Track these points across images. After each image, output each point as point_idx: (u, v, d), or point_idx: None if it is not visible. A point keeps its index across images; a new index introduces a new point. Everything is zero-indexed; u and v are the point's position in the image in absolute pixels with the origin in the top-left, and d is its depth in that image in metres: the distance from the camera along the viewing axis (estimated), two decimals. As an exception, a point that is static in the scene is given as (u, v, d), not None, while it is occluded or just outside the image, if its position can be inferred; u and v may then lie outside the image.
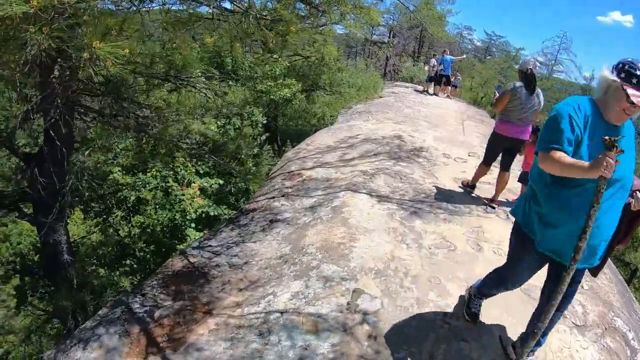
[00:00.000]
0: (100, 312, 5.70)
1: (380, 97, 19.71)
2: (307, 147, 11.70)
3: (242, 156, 9.70)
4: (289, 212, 7.74)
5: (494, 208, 7.72)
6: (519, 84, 7.23)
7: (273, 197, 8.65)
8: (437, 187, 8.52)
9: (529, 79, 7.15)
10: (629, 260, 22.29)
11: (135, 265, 12.73)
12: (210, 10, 5.24)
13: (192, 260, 6.51)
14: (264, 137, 24.03)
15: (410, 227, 6.82)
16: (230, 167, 9.56)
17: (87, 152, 9.57)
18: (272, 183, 9.64)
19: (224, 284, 5.78)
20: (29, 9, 2.97)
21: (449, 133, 12.92)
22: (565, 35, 43.17)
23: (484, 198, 8.16)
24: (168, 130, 11.08)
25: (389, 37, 47.08)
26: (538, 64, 7.65)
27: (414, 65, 36.87)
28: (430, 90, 21.99)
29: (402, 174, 9.08)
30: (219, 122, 14.92)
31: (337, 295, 5.21)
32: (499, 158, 7.90)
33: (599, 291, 5.85)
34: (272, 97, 16.47)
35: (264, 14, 5.19)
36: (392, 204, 7.64)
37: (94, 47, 3.27)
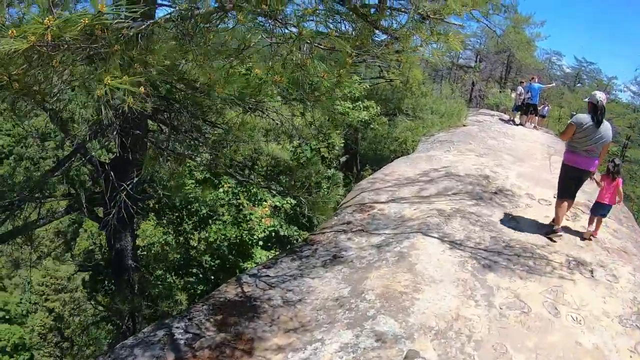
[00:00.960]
0: (144, 329, 5.69)
1: (464, 125, 19.08)
2: (383, 177, 11.40)
3: (311, 183, 9.50)
4: (353, 249, 7.52)
5: (559, 235, 7.82)
6: (587, 116, 7.26)
7: (340, 230, 8.42)
8: (517, 235, 7.99)
9: (596, 111, 7.18)
10: None
11: (197, 279, 12.87)
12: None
13: (246, 289, 6.43)
14: (343, 159, 23.90)
15: (482, 281, 6.40)
16: (298, 194, 9.41)
17: (162, 163, 9.77)
18: (342, 214, 9.43)
19: (273, 321, 5.65)
20: (27, 45, 2.88)
21: (534, 169, 12.23)
22: (660, 61, 40.74)
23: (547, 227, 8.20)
24: (240, 150, 11.15)
25: (476, 62, 46.46)
26: (605, 97, 7.44)
27: (500, 91, 35.76)
28: (517, 120, 20.99)
29: (481, 216, 8.62)
30: (294, 143, 14.87)
31: (388, 355, 4.90)
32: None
33: None
34: (350, 119, 16.16)
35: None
36: (465, 251, 7.22)
37: (107, 84, 3.13)
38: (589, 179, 7.90)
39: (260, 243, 12.13)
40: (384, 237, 7.84)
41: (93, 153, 8.71)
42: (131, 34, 3.80)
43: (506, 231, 8.10)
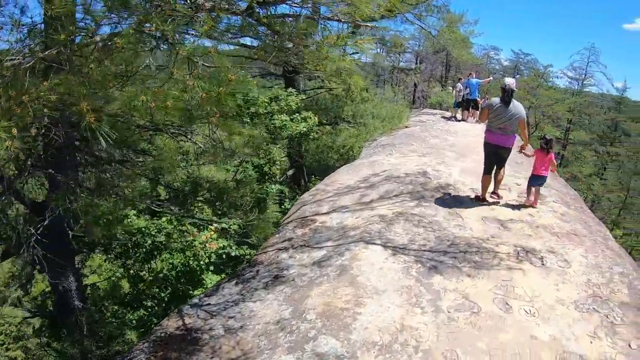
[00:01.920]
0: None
1: (406, 126, 18.85)
2: (325, 187, 10.99)
3: (247, 203, 9.12)
4: (295, 267, 7.12)
5: (498, 197, 9.03)
6: (497, 99, 8.42)
7: (282, 248, 8.00)
8: (462, 232, 7.69)
9: (504, 93, 8.23)
10: None
11: (150, 312, 12.31)
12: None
13: (187, 321, 6.06)
14: (290, 173, 23.52)
15: (428, 285, 6.03)
16: (234, 216, 9.05)
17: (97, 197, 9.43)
18: (284, 231, 8.99)
19: (214, 352, 5.30)
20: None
21: (477, 163, 11.89)
22: (593, 47, 41.86)
23: (488, 196, 9.02)
24: (174, 177, 10.75)
25: (416, 63, 46.91)
26: (513, 81, 8.56)
27: (442, 90, 36.07)
28: (459, 116, 21.01)
29: (424, 217, 8.27)
30: (234, 163, 14.53)
31: (330, 379, 4.51)
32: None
33: None
34: (288, 132, 15.80)
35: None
36: (409, 256, 6.85)
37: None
38: (523, 154, 9.05)
39: (212, 268, 11.75)
40: (325, 250, 7.43)
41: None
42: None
43: (451, 229, 7.78)
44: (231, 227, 12.19)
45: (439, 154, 13.00)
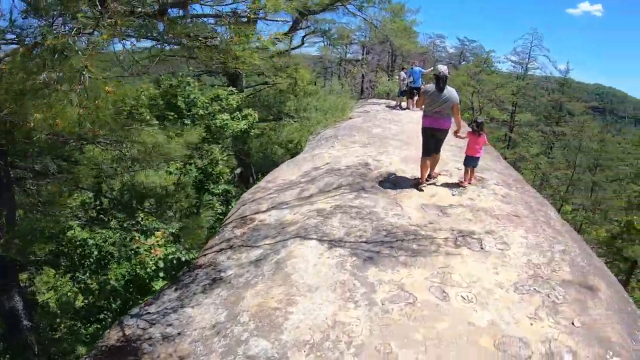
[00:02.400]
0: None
1: (350, 118, 18.65)
2: (266, 184, 10.69)
3: (180, 208, 8.85)
4: (233, 268, 6.93)
5: (434, 178, 9.37)
6: (431, 85, 8.81)
7: (221, 250, 7.73)
8: (400, 220, 7.51)
9: (438, 80, 8.66)
10: (626, 255, 21.53)
11: (104, 325, 11.81)
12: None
13: (127, 332, 5.91)
14: (237, 172, 23.15)
15: (363, 278, 5.83)
16: (168, 221, 8.78)
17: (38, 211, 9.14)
18: (223, 232, 8.71)
19: None
20: None
21: (419, 150, 11.82)
22: (536, 32, 42.89)
23: (426, 180, 9.22)
24: (111, 185, 10.42)
25: (363, 54, 47.20)
26: (446, 68, 9.06)
27: (389, 79, 36.12)
28: (403, 105, 20.96)
29: (363, 208, 8.07)
30: (176, 165, 14.19)
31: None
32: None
33: (593, 326, 4.93)
34: (229, 131, 15.47)
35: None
36: (345, 249, 6.64)
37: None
38: (457, 137, 9.31)
39: (162, 274, 11.32)
40: (262, 249, 7.20)
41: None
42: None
43: (389, 219, 7.59)
44: (177, 231, 11.98)
45: (381, 144, 12.85)
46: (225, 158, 16.12)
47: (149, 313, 6.24)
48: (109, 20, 4.18)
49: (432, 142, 9.10)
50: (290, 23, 22.22)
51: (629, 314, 5.82)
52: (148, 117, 12.34)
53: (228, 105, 16.14)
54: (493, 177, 9.72)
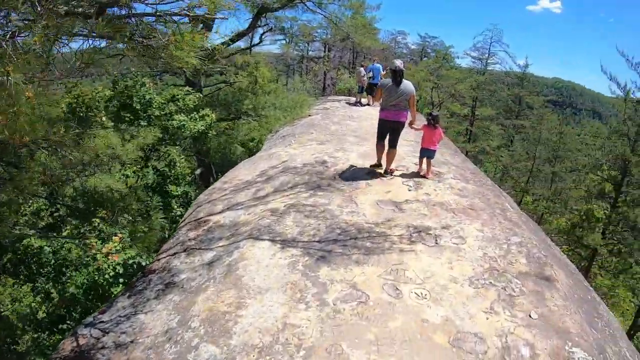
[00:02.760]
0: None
1: (309, 115, 18.43)
2: (222, 185, 10.46)
3: (132, 212, 8.58)
4: (186, 272, 6.71)
5: (390, 173, 9.39)
6: (388, 80, 9.12)
7: (175, 253, 7.50)
8: (355, 218, 7.38)
9: (395, 74, 8.94)
10: (587, 243, 21.81)
11: (63, 336, 11.45)
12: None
13: (81, 342, 5.71)
14: (198, 172, 22.78)
15: (314, 279, 5.69)
16: (120, 225, 8.48)
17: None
18: (178, 235, 8.48)
19: None
20: None
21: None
22: (496, 28, 43.13)
23: (381, 172, 9.48)
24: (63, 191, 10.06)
25: (325, 52, 47.09)
26: (402, 63, 9.34)
27: (350, 76, 36.10)
28: (363, 101, 20.94)
29: (317, 206, 7.93)
30: (133, 168, 13.87)
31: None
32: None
33: (551, 317, 4.87)
34: (187, 132, 15.18)
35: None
36: (297, 248, 6.49)
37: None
38: (412, 128, 9.59)
39: (121, 280, 11.02)
40: (215, 251, 7.00)
41: None
42: None
43: (344, 216, 7.45)
44: (139, 234, 11.71)
45: (339, 141, 12.73)
46: (183, 160, 15.85)
47: (103, 322, 6.03)
48: (44, 22, 3.97)
49: (389, 134, 9.34)
50: (250, 20, 22.02)
51: (589, 302, 5.83)
52: (103, 120, 12.08)
53: (185, 105, 15.83)
54: (450, 171, 9.69)
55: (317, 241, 6.63)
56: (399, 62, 9.10)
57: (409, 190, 8.46)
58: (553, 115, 43.23)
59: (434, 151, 9.29)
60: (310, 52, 53.16)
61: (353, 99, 22.85)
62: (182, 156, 15.61)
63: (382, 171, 9.53)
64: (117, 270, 10.87)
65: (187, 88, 17.32)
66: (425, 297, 5.18)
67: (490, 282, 5.46)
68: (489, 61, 44.30)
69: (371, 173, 9.48)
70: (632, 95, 21.77)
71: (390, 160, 9.43)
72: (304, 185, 9.02)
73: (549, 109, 45.47)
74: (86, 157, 9.39)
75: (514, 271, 5.71)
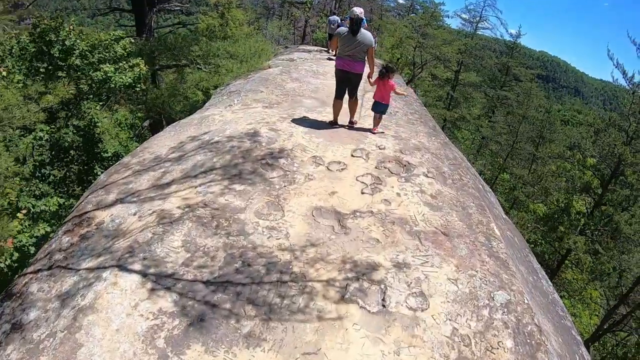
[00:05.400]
0: None
1: (269, 67, 15.61)
2: (130, 159, 7.77)
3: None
4: (37, 309, 4.44)
5: (353, 124, 9.11)
6: (345, 28, 8.60)
7: (38, 271, 5.12)
8: (271, 240, 5.04)
9: (352, 23, 8.38)
10: (568, 246, 20.48)
11: None
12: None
13: None
14: (146, 124, 20.28)
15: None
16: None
17: None
18: (54, 238, 5.94)
19: None
20: None
21: (339, 115, 9.28)
22: (490, -10, 40.24)
23: (345, 125, 9.00)
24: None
25: (307, -4, 45.27)
26: (361, 11, 8.48)
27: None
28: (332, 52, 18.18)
29: (226, 212, 5.55)
30: (46, 129, 11.70)
31: None
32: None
33: None
34: (111, 85, 12.75)
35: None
36: (172, 294, 4.19)
37: None
38: (368, 81, 9.11)
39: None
40: (78, 276, 4.69)
41: None
42: None
43: (257, 235, 5.10)
44: (50, 206, 10.65)
45: (292, 103, 10.29)
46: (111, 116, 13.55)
47: None
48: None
49: (346, 85, 8.94)
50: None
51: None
52: (3, 74, 10.17)
53: (113, 53, 13.32)
54: (424, 161, 7.37)
55: (205, 282, 4.28)
56: (358, 10, 8.48)
57: (363, 192, 6.13)
58: (541, 91, 41.49)
59: (386, 105, 8.97)
60: (293, -5, 51.74)
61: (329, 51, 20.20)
62: (110, 112, 13.22)
63: (338, 126, 9.01)
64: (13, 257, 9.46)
65: (118, 32, 14.61)
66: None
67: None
68: (479, 25, 41.56)
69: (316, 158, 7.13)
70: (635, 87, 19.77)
71: (353, 111, 9.17)
72: (221, 171, 6.58)
73: (536, 83, 43.48)
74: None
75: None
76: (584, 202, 24.00)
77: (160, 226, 5.27)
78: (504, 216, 8.33)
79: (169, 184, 6.40)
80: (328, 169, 6.79)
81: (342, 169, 6.80)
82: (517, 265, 5.54)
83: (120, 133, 15.46)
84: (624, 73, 19.31)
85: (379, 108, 8.88)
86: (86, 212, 6.11)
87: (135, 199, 6.17)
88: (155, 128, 19.74)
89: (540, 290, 5.98)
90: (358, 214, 5.58)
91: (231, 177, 6.37)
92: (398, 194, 6.15)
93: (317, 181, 6.38)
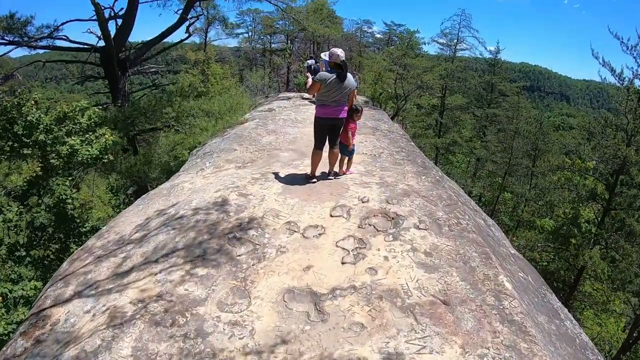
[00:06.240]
0: None
1: (246, 121, 14.81)
2: (94, 242, 7.00)
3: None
4: None
5: (336, 175, 8.64)
6: (327, 73, 7.87)
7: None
8: (232, 340, 4.29)
9: (341, 68, 7.80)
10: (583, 263, 19.54)
11: None
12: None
13: None
14: (130, 192, 19.71)
15: None
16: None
17: None
18: (12, 339, 5.24)
19: None
20: None
21: (317, 166, 8.56)
22: (464, 13, 40.40)
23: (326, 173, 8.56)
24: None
25: (287, 43, 46.70)
26: (343, 52, 7.82)
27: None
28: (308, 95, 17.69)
29: (184, 304, 4.80)
30: (16, 210, 11.69)
31: None
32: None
33: None
34: (78, 158, 12.11)
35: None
36: None
37: None
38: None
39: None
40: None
41: None
42: None
43: (216, 336, 4.32)
44: (28, 292, 10.17)
45: (268, 159, 9.65)
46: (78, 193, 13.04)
47: None
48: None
49: (329, 134, 8.42)
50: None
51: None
52: None
53: (77, 124, 12.77)
54: (414, 209, 6.63)
55: None
56: (341, 52, 7.87)
57: (344, 261, 5.34)
58: (529, 103, 41.22)
59: (350, 150, 8.60)
60: (273, 45, 52.39)
61: (307, 95, 19.84)
62: (76, 189, 12.66)
63: (315, 180, 8.39)
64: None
65: (83, 102, 14.00)
66: None
67: None
68: (458, 47, 41.58)
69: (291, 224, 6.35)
70: (626, 83, 19.17)
71: (333, 162, 8.61)
72: (184, 252, 5.82)
73: (523, 96, 43.34)
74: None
75: None
76: (592, 210, 23.34)
77: (110, 329, 4.51)
78: (512, 251, 7.44)
79: (128, 272, 5.69)
80: (303, 237, 6.04)
81: (319, 234, 6.04)
82: (535, 319, 4.74)
83: (113, 199, 14.93)
84: (612, 70, 18.79)
85: (344, 150, 8.55)
86: (44, 310, 5.40)
87: (93, 292, 5.46)
88: (141, 193, 19.19)
89: (565, 337, 5.15)
90: (338, 292, 4.80)
91: (194, 260, 5.61)
92: (385, 258, 5.38)
93: (290, 254, 5.62)
